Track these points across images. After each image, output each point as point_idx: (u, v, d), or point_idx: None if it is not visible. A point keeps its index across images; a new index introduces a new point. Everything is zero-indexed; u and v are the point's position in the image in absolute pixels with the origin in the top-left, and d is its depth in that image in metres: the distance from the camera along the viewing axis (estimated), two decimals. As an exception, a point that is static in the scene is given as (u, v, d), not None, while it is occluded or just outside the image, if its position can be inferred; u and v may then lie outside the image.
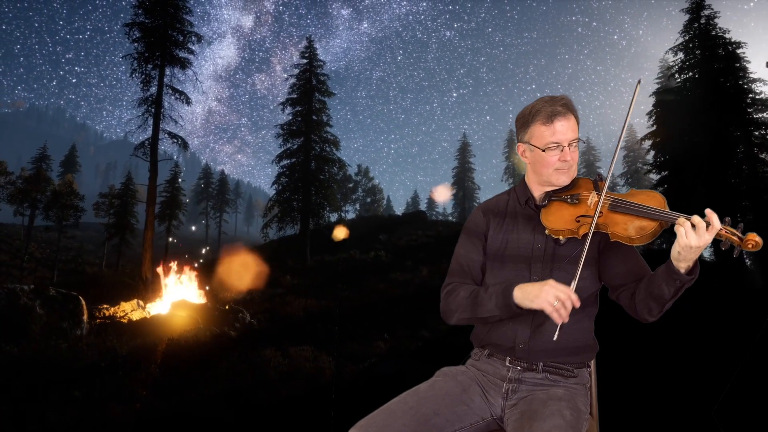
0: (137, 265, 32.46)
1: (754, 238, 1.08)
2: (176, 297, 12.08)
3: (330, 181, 24.02)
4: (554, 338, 1.18)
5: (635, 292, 1.28)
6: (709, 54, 15.99)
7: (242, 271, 18.87)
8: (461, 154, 52.56)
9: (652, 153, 25.31)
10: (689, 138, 20.26)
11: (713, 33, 16.15)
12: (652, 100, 25.22)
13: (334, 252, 26.05)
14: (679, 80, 17.77)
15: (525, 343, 1.32)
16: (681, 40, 17.11)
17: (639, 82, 1.29)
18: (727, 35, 15.98)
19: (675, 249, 1.15)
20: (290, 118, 24.21)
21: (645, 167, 40.05)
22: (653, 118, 24.99)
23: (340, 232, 26.20)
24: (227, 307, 11.04)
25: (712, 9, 16.21)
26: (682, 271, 1.16)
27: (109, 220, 34.54)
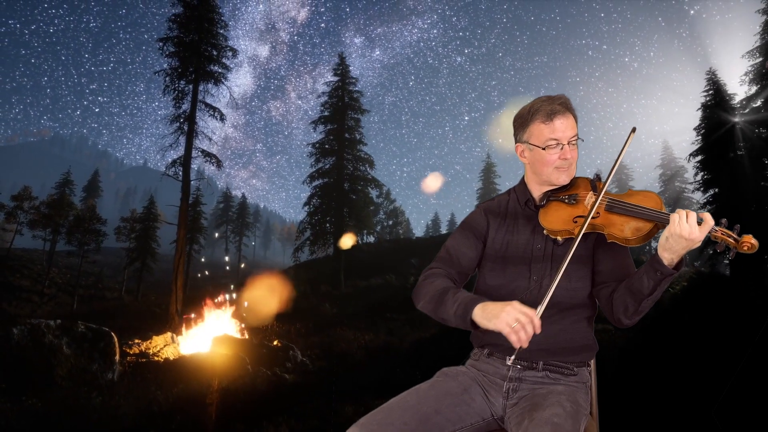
0: (160, 292, 31.40)
1: (750, 240, 1.08)
2: (214, 330, 10.67)
3: (364, 201, 22.70)
4: (509, 362, 1.13)
5: (615, 290, 1.26)
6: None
7: (273, 298, 17.46)
8: (485, 175, 50.97)
9: (697, 171, 23.68)
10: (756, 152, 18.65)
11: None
12: (699, 114, 23.67)
13: (366, 277, 24.53)
14: (758, 85, 16.22)
15: None
16: (758, 42, 15.67)
17: (633, 130, 1.29)
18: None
19: (664, 235, 1.14)
20: (322, 136, 23.17)
21: (685, 186, 37.98)
22: (702, 133, 23.40)
23: (349, 240, 24.60)
24: (276, 343, 9.57)
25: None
26: (666, 261, 1.14)
27: (130, 244, 33.72)
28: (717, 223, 1.13)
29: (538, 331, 1.08)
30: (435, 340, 10.19)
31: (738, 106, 22.39)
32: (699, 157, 23.46)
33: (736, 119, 22.33)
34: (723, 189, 21.86)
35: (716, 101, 23.13)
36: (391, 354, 9.14)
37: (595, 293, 1.33)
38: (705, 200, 22.52)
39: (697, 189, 23.65)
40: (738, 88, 23.25)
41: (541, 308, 1.11)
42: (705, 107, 23.35)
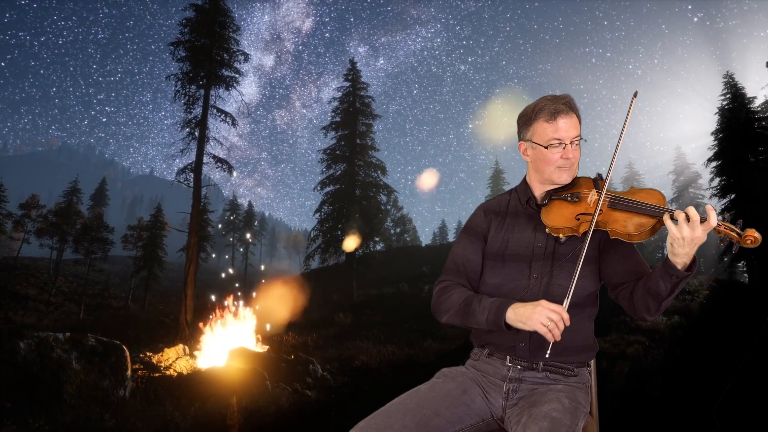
0: (167, 301, 30.98)
1: (753, 234, 1.06)
2: (229, 342, 10.17)
3: (376, 208, 22.22)
4: (546, 355, 1.17)
5: (634, 290, 1.26)
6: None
7: (285, 307, 16.96)
8: (494, 182, 50.43)
9: (713, 176, 23.15)
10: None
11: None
12: (712, 119, 23.14)
13: (378, 285, 23.99)
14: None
15: (525, 342, 1.30)
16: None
17: (635, 94, 1.30)
18: None
19: (668, 241, 1.15)
20: (333, 142, 22.79)
21: (700, 193, 37.22)
22: (719, 137, 22.88)
23: (353, 242, 24.00)
24: (293, 357, 9.08)
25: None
26: (678, 266, 1.14)
27: (137, 252, 33.41)
28: (720, 218, 1.12)
29: (568, 324, 1.14)
30: (460, 353, 9.65)
31: (759, 109, 21.86)
32: (716, 163, 22.89)
33: (756, 123, 21.75)
34: (741, 194, 21.25)
35: (734, 105, 22.58)
36: (417, 369, 8.61)
37: (615, 294, 1.33)
38: (722, 206, 21.91)
39: (714, 195, 23.04)
40: (758, 92, 22.72)
41: (567, 302, 1.16)
42: (722, 111, 22.80)
